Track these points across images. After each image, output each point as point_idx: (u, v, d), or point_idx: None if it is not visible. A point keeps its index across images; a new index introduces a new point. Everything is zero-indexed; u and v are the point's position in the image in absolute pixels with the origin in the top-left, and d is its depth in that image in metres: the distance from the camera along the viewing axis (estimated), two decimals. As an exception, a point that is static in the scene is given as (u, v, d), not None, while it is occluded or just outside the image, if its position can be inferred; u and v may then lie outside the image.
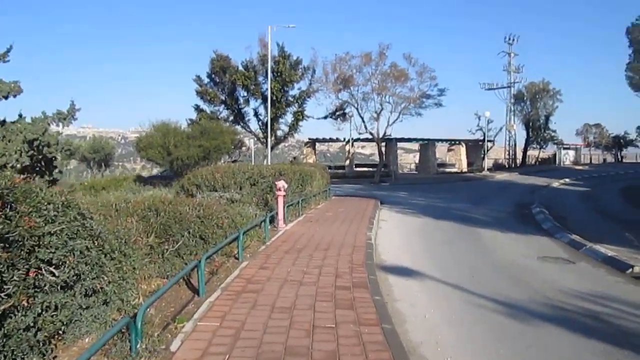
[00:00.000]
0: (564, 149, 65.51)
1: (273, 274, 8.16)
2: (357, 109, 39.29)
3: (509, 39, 61.52)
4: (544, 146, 65.63)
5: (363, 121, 39.39)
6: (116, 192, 21.26)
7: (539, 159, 66.51)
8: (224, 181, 13.88)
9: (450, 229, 15.48)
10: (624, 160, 73.43)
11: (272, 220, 13.37)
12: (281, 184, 12.97)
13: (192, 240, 8.06)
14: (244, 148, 46.67)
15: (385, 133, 39.55)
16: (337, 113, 41.81)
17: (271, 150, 41.64)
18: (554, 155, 67.84)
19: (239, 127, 42.23)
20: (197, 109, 40.97)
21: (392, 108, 38.66)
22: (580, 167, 60.42)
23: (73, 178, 46.87)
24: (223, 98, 40.77)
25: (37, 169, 18.96)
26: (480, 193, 29.89)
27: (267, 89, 38.70)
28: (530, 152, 65.18)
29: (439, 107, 41.09)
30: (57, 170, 19.51)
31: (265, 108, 39.36)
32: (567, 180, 39.10)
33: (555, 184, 36.15)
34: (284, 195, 13.38)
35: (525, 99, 61.61)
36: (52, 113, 18.61)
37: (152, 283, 7.20)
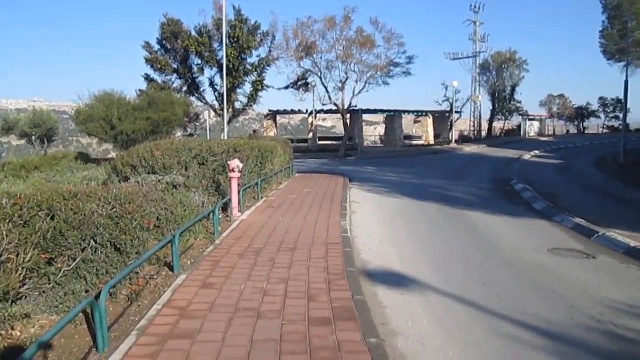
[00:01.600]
0: (529, 119, 64.65)
1: (219, 296, 5.78)
2: (320, 78, 36.71)
3: (475, 7, 59.79)
4: (509, 117, 64.69)
5: (327, 91, 36.90)
6: (41, 173, 18.36)
7: (504, 130, 65.60)
8: (165, 161, 11.31)
9: (434, 212, 13.39)
10: (586, 132, 73.39)
11: (225, 208, 10.97)
12: (235, 163, 10.52)
13: (101, 253, 5.59)
14: (200, 121, 43.71)
15: (350, 104, 37.17)
16: (299, 83, 39.05)
17: (228, 123, 38.68)
18: (519, 126, 66.99)
19: (193, 98, 39.15)
20: (147, 78, 37.52)
21: (358, 77, 36.22)
22: (545, 138, 59.69)
23: (12, 156, 42.97)
24: (175, 66, 37.38)
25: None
26: (453, 167, 28.14)
27: (222, 57, 35.65)
28: (495, 124, 64.14)
29: (407, 76, 38.90)
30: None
31: (222, 77, 36.33)
32: (536, 152, 38.00)
33: (526, 156, 34.84)
34: (239, 177, 10.95)
35: (491, 68, 60.23)
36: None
37: (35, 323, 4.76)
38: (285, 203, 13.03)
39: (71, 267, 5.18)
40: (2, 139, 62.70)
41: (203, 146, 11.94)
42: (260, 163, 14.52)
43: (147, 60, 36.77)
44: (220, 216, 10.60)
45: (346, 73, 35.63)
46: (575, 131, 72.89)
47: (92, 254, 5.48)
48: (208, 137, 32.18)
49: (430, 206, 14.42)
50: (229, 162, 10.67)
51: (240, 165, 10.75)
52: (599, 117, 73.23)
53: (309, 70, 37.32)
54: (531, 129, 65.17)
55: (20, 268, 4.76)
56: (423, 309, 6.11)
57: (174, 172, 11.01)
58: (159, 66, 36.45)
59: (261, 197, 13.72)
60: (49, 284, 5.04)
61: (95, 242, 5.52)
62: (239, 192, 11.06)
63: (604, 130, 71.36)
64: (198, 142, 12.17)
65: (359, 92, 36.65)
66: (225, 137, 29.79)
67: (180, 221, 8.68)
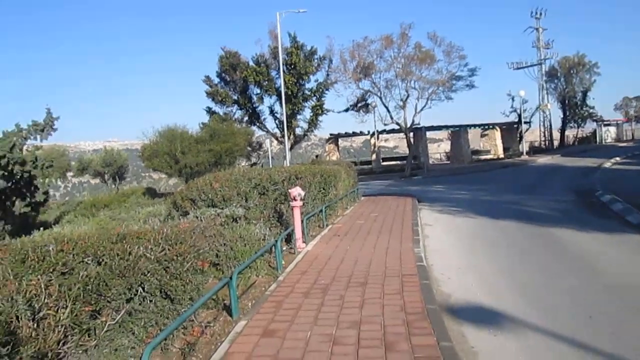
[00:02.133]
0: (604, 125, 60.90)
1: (283, 346, 5.01)
2: (380, 98, 36.01)
3: (536, 13, 57.53)
4: (582, 124, 61.19)
5: (388, 111, 36.11)
6: (109, 211, 18.52)
7: (578, 139, 62.11)
8: (224, 193, 10.84)
9: (515, 232, 12.18)
10: (669, 134, 68.47)
11: (289, 239, 10.32)
12: (296, 191, 9.87)
13: (150, 302, 5.01)
14: (263, 150, 44.00)
15: (413, 122, 36.14)
16: (359, 104, 38.57)
17: (290, 150, 38.69)
18: (593, 133, 63.30)
19: (255, 128, 39.45)
20: (209, 111, 38.20)
21: (419, 94, 35.27)
22: (624, 144, 55.94)
23: (87, 194, 44.73)
24: (235, 98, 37.89)
25: (17, 191, 16.26)
26: (527, 180, 26.43)
27: (281, 85, 35.72)
28: (567, 132, 60.85)
29: (471, 89, 37.47)
30: (41, 191, 16.71)
31: (281, 104, 36.38)
32: (617, 159, 35.33)
33: (607, 164, 32.37)
34: (301, 206, 10.29)
35: (559, 75, 57.44)
36: (27, 125, 15.88)
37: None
38: (352, 230, 12.24)
39: (116, 320, 4.61)
40: (78, 178, 65.94)
41: (263, 175, 11.40)
42: (324, 189, 13.84)
43: (208, 94, 37.47)
44: (284, 249, 9.97)
45: (407, 91, 34.81)
46: (658, 134, 68.06)
47: (139, 304, 4.91)
48: (270, 166, 32.06)
49: (509, 225, 13.19)
50: (289, 190, 10.05)
51: (302, 193, 10.10)
52: (682, 117, 68.19)
53: (369, 91, 36.79)
54: (607, 135, 61.33)
55: (59, 325, 4.22)
56: (524, 354, 5.10)
57: (234, 204, 10.49)
58: (220, 99, 37.03)
59: (326, 225, 13.00)
60: (93, 340, 4.49)
61: (144, 290, 4.95)
62: (302, 221, 10.39)
63: (690, 132, 66.31)
64: (258, 172, 11.66)
65: (421, 109, 35.67)
66: (288, 164, 29.54)
67: (240, 257, 8.08)
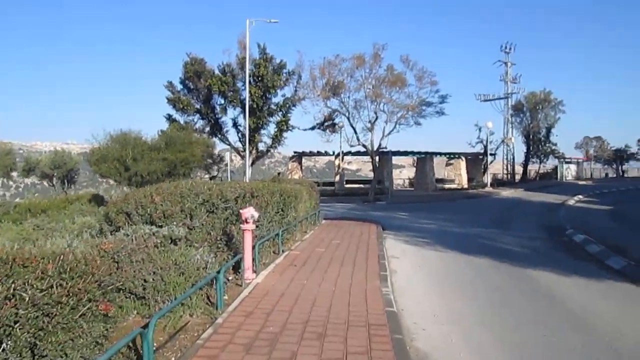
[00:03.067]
0: (566, 162, 61.72)
1: None
2: (348, 118, 34.96)
3: (506, 47, 58.25)
4: (545, 160, 61.82)
5: (355, 132, 35.04)
6: (38, 219, 16.57)
7: (539, 174, 62.69)
8: (165, 208, 9.25)
9: (490, 271, 10.99)
10: (625, 175, 70.05)
11: (238, 267, 8.81)
12: (248, 212, 8.40)
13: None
14: (223, 163, 42.33)
15: (380, 145, 35.17)
16: (326, 123, 37.37)
17: (252, 165, 37.11)
18: (554, 169, 64.17)
19: (217, 140, 37.75)
20: (169, 119, 36.29)
21: (388, 117, 34.38)
22: (583, 182, 56.70)
23: (27, 197, 41.79)
24: (198, 107, 36.14)
25: None
26: (494, 213, 25.67)
27: (246, 97, 34.26)
28: (530, 167, 61.31)
29: (440, 116, 36.87)
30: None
31: (245, 117, 34.88)
32: (580, 197, 35.27)
33: (571, 201, 32.16)
34: (254, 229, 8.84)
35: (524, 110, 57.92)
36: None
37: None
38: (311, 259, 10.81)
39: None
40: (26, 179, 62.32)
41: (213, 191, 9.86)
42: (282, 210, 12.39)
43: (170, 100, 35.63)
44: (229, 279, 8.45)
45: (376, 113, 33.89)
46: (614, 175, 69.51)
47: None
48: (229, 180, 30.42)
49: (482, 263, 12.03)
50: (241, 211, 8.57)
51: (256, 214, 8.64)
52: (638, 159, 69.96)
53: (337, 110, 35.73)
54: (568, 172, 62.21)
55: None
56: None
57: (176, 223, 8.93)
58: (181, 106, 35.25)
59: (282, 251, 11.53)
60: None
61: (2, 350, 3.39)
62: (253, 247, 8.92)
63: (645, 174, 67.98)
64: (208, 186, 10.11)
65: (389, 132, 34.80)
66: (247, 180, 27.98)
67: (172, 291, 6.54)
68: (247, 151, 26.98)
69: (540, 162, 62.32)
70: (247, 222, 8.44)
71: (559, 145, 62.03)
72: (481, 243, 15.47)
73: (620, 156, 68.22)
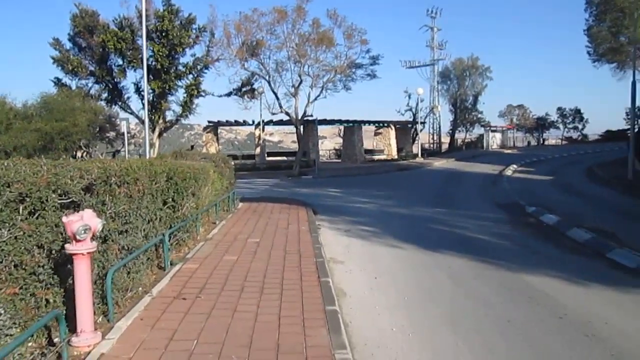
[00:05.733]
0: (492, 131, 60.86)
1: None
2: (269, 82, 30.73)
3: (432, 12, 55.72)
4: (471, 129, 60.71)
5: (277, 98, 30.91)
6: None
7: (465, 143, 61.55)
8: None
9: (479, 284, 7.61)
10: (545, 143, 70.70)
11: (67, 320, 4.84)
12: (78, 223, 4.44)
13: None
14: (130, 135, 37.13)
15: (305, 113, 31.32)
16: (244, 88, 32.92)
17: (159, 137, 32.29)
18: (479, 138, 63.28)
19: (117, 108, 32.48)
20: (58, 83, 30.48)
21: (313, 81, 30.51)
22: (509, 151, 55.97)
23: None
24: (92, 69, 30.56)
25: None
26: (434, 187, 22.89)
27: (150, 57, 29.16)
28: (456, 136, 59.95)
29: (372, 79, 33.47)
30: None
31: (150, 81, 29.81)
32: (514, 167, 33.53)
33: (508, 172, 30.25)
34: (93, 252, 4.86)
35: (452, 77, 56.11)
36: None
37: None
38: (214, 280, 6.95)
39: None
40: None
41: (41, 177, 5.73)
42: (173, 200, 8.39)
43: (56, 60, 29.73)
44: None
45: (300, 76, 29.86)
46: (536, 143, 69.94)
47: None
48: (125, 155, 25.64)
49: (456, 264, 8.73)
50: (65, 220, 4.58)
51: (95, 223, 4.69)
52: (558, 128, 70.83)
53: (256, 73, 31.37)
54: (493, 141, 61.46)
55: None
56: None
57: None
58: (71, 67, 29.50)
59: (171, 264, 7.61)
60: None
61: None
62: (91, 285, 4.96)
63: (563, 142, 68.83)
64: (33, 169, 5.94)
65: (315, 99, 30.98)
66: (149, 154, 23.41)
67: None
68: (146, 119, 22.24)
69: (467, 131, 61.19)
70: (77, 241, 4.47)
71: (484, 113, 61.20)
72: (438, 230, 12.27)
73: (542, 124, 68.55)
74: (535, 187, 22.36)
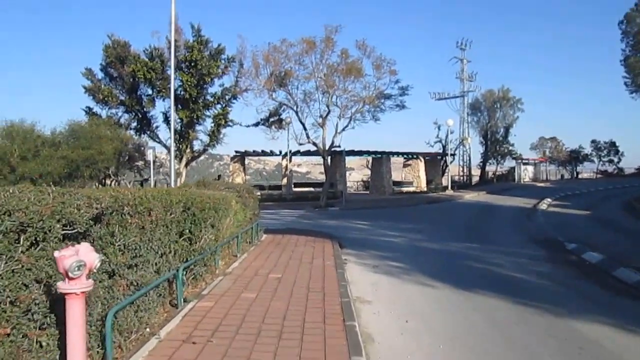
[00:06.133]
0: (524, 164, 59.45)
1: None
2: (296, 112, 30.50)
3: (462, 44, 55.39)
4: (502, 161, 59.43)
5: (304, 128, 30.61)
6: None
7: (496, 176, 60.23)
8: None
9: (524, 331, 6.84)
10: (579, 177, 68.73)
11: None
12: (72, 259, 3.96)
13: None
14: (157, 165, 37.29)
15: (332, 143, 30.91)
16: (272, 119, 32.80)
17: (187, 166, 32.23)
18: (510, 171, 61.92)
19: (146, 137, 32.63)
20: (89, 112, 30.86)
21: (341, 112, 30.16)
22: (542, 184, 54.47)
23: None
24: (122, 98, 30.83)
25: None
26: (466, 222, 21.94)
27: (179, 87, 29.30)
28: (487, 168, 58.74)
29: (400, 110, 32.93)
30: None
31: (177, 110, 29.92)
32: (549, 200, 32.25)
33: (542, 206, 29.04)
34: (87, 291, 4.33)
35: (482, 108, 55.28)
36: None
37: None
38: (228, 322, 6.35)
39: None
40: None
41: (45, 206, 5.32)
42: (191, 232, 7.90)
43: (88, 90, 30.09)
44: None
45: (328, 106, 29.58)
46: (569, 176, 68.05)
47: None
48: (152, 184, 25.51)
49: (495, 306, 7.98)
50: (57, 255, 4.09)
51: (93, 259, 4.19)
52: (592, 161, 68.78)
53: (284, 103, 31.21)
54: (525, 174, 60.00)
55: None
56: None
57: None
58: (102, 97, 29.77)
59: (185, 302, 7.06)
60: None
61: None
62: (83, 336, 4.43)
63: (598, 176, 66.76)
64: (37, 197, 5.53)
65: (343, 129, 30.56)
66: (172, 183, 23.19)
67: None
68: (172, 148, 22.05)
69: (497, 163, 59.93)
70: (70, 279, 3.97)
71: (515, 145, 59.97)
72: (472, 267, 11.50)
73: (575, 157, 66.74)
74: (572, 222, 21.36)
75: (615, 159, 67.26)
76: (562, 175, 67.91)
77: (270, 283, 8.56)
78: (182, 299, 6.95)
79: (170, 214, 7.07)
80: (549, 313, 7.64)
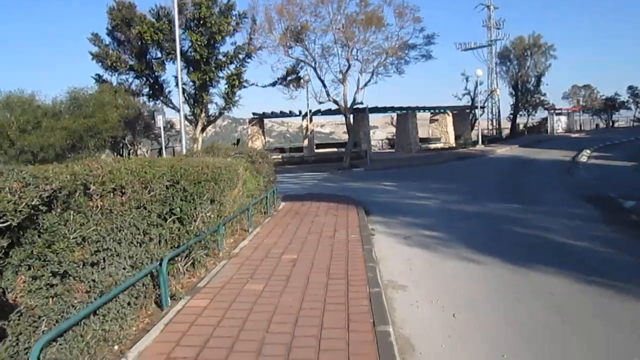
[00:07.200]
0: (556, 114, 56.52)
1: None
2: (315, 69, 28.53)
3: (488, -12, 51.89)
4: (533, 112, 56.61)
5: (324, 86, 28.67)
6: None
7: (527, 128, 57.54)
8: None
9: (590, 318, 5.37)
10: (615, 125, 65.40)
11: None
12: None
13: None
14: (174, 130, 36.13)
15: (354, 100, 29.01)
16: (289, 77, 31.00)
17: (202, 131, 30.83)
18: (541, 122, 59.10)
19: (159, 103, 31.25)
20: (99, 79, 29.51)
21: (363, 66, 28.13)
22: (576, 135, 51.76)
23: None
24: (132, 63, 29.33)
25: None
26: (502, 179, 20.17)
27: (189, 47, 27.62)
28: (518, 120, 56.05)
29: (427, 60, 30.63)
30: None
31: (189, 73, 28.35)
32: (587, 152, 30.09)
33: (582, 158, 27.09)
34: None
35: (512, 58, 52.30)
36: None
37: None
38: (226, 330, 4.91)
39: None
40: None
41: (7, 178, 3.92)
42: (181, 212, 6.46)
43: (95, 56, 28.62)
44: None
45: (348, 61, 27.52)
46: (604, 126, 64.77)
47: None
48: (164, 151, 24.25)
49: (558, 289, 6.45)
50: None
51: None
52: (629, 108, 65.20)
53: (301, 60, 29.27)
54: (558, 124, 57.10)
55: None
56: None
57: None
58: (110, 62, 28.31)
59: (172, 299, 5.69)
60: None
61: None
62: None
63: (635, 124, 63.36)
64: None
65: (365, 84, 28.55)
66: (193, 148, 21.89)
67: None
68: (181, 112, 20.57)
69: (528, 115, 57.15)
70: None
71: (547, 95, 57.00)
72: (520, 234, 9.92)
73: (611, 105, 63.22)
74: (619, 175, 19.52)
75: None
76: (597, 125, 64.73)
77: (283, 267, 7.11)
78: (167, 298, 5.55)
79: (149, 192, 5.61)
80: (632, 298, 6.05)
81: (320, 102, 29.68)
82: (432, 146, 40.84)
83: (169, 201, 6.19)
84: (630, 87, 63.50)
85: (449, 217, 12.23)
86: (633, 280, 6.63)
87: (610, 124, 65.59)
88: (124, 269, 5.02)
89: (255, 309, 5.37)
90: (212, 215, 7.45)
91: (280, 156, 35.28)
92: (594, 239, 9.20)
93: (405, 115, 38.40)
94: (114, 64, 28.50)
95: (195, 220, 6.77)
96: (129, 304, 5.00)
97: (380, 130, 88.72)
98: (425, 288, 6.65)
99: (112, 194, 5.11)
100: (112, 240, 4.86)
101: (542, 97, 54.97)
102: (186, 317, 5.17)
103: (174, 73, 29.56)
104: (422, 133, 42.98)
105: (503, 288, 6.60)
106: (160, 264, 5.43)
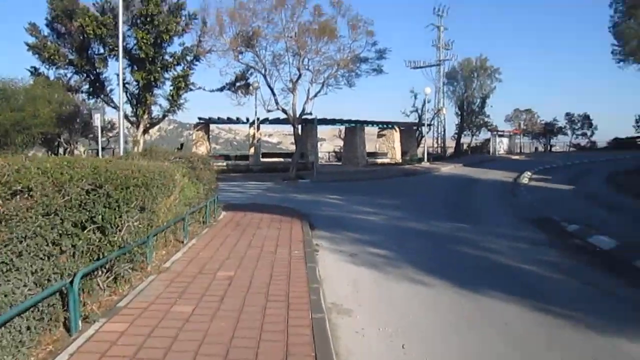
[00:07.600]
0: (499, 136, 58.11)
1: None
2: (264, 76, 27.84)
3: (439, 10, 52.97)
4: (477, 133, 57.97)
5: (273, 93, 27.97)
6: None
7: (471, 148, 58.84)
8: None
9: (545, 350, 5.03)
10: (552, 150, 67.97)
11: None
12: None
13: None
14: (114, 131, 34.51)
15: (303, 110, 28.52)
16: (238, 83, 30.25)
17: (144, 134, 29.55)
18: (485, 142, 60.60)
19: (99, 101, 29.80)
20: (34, 73, 27.79)
21: (313, 76, 27.71)
22: (517, 157, 53.34)
23: None
24: (72, 57, 27.79)
25: None
26: (448, 197, 20.16)
27: (134, 45, 26.45)
28: (462, 140, 57.20)
29: (378, 74, 30.66)
30: None
31: (133, 72, 27.12)
32: (529, 174, 30.86)
33: (523, 180, 27.58)
34: None
35: (459, 78, 53.36)
36: None
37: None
38: (148, 356, 4.26)
39: None
40: None
41: None
42: (104, 220, 5.67)
43: (31, 47, 26.98)
44: None
45: (299, 70, 27.02)
46: (543, 149, 67.20)
47: None
48: (100, 152, 22.92)
49: (511, 316, 6.11)
50: None
51: None
52: (566, 134, 67.95)
53: (251, 66, 28.54)
54: (500, 146, 58.73)
55: None
56: None
57: None
58: (47, 55, 26.73)
59: (85, 321, 4.90)
60: None
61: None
62: None
63: (571, 149, 66.05)
64: None
65: (315, 95, 28.09)
66: (122, 152, 20.69)
67: None
68: (120, 112, 19.47)
69: (472, 135, 58.50)
70: None
71: (491, 117, 58.56)
72: (468, 255, 9.65)
73: (550, 130, 65.68)
74: (559, 198, 19.84)
75: (589, 132, 66.64)
76: (537, 148, 67.02)
77: (218, 286, 6.43)
78: (78, 321, 4.76)
79: (64, 196, 4.83)
80: (585, 327, 5.78)
81: (269, 111, 29.04)
82: (379, 161, 40.88)
83: (89, 207, 5.41)
84: (567, 114, 66.19)
85: (397, 234, 11.86)
86: (583, 308, 6.41)
87: (549, 148, 68.05)
88: (24, 286, 4.22)
89: (181, 336, 4.67)
90: (141, 225, 6.67)
91: (225, 163, 34.27)
92: (542, 264, 8.99)
93: (354, 129, 38.27)
94: (51, 57, 26.92)
95: (120, 230, 5.99)
96: (27, 328, 4.20)
97: (328, 143, 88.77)
98: (372, 313, 6.13)
99: (16, 197, 4.33)
100: (9, 252, 4.07)
101: (486, 119, 56.43)
102: (97, 345, 4.41)
103: (116, 70, 28.21)
104: (369, 147, 43.00)
105: (454, 316, 6.16)
106: (72, 281, 4.65)
